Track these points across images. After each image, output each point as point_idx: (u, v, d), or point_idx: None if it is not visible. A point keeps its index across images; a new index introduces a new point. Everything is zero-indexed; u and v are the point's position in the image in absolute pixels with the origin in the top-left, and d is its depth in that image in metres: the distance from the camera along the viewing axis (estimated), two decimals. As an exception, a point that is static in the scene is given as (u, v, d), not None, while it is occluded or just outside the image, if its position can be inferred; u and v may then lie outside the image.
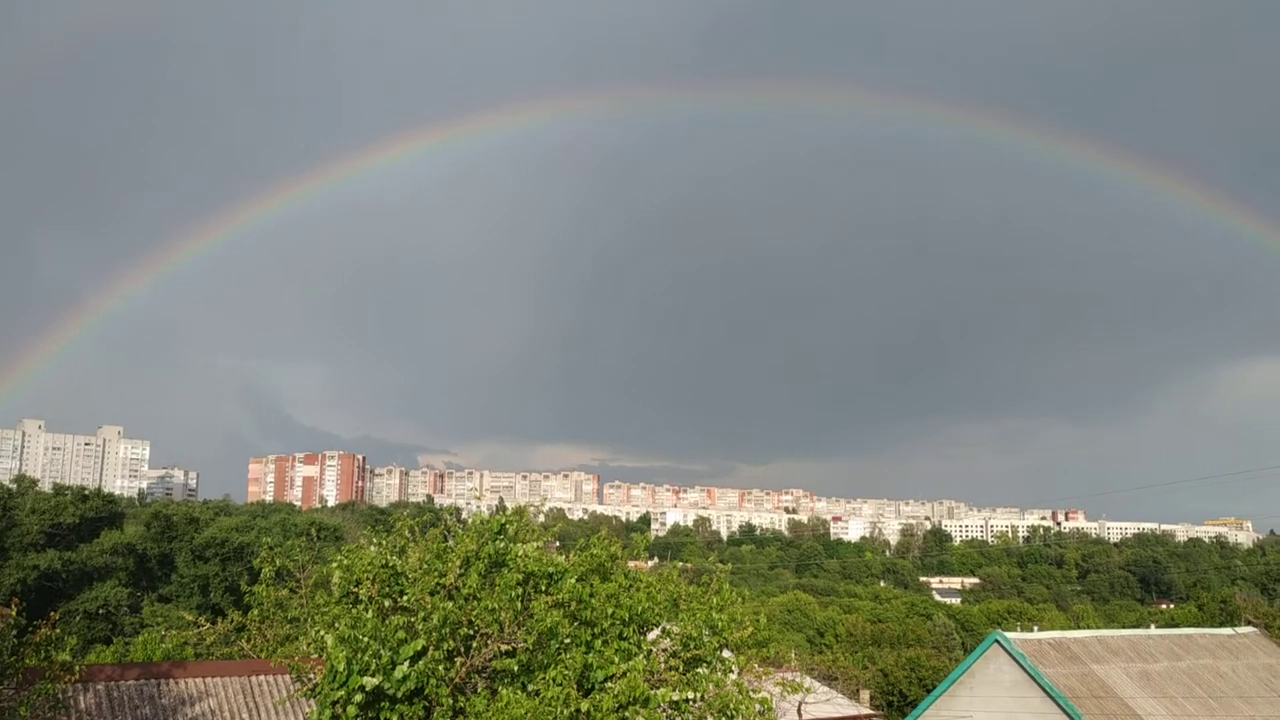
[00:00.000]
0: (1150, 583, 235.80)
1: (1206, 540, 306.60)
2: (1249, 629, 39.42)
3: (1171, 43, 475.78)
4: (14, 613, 12.43)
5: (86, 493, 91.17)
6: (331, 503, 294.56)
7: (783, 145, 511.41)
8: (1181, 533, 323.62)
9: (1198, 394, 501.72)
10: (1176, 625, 63.25)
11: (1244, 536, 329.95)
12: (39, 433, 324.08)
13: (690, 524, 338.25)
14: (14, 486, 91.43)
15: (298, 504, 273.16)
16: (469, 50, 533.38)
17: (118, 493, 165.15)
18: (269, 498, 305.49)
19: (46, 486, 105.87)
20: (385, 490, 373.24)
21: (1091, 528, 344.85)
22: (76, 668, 12.55)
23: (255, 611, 15.92)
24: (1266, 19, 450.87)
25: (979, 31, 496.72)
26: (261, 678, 15.98)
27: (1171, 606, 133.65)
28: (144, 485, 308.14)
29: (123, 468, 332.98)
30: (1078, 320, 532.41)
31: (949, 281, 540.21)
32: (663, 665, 14.37)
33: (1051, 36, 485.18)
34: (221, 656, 20.29)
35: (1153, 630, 38.95)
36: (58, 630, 12.47)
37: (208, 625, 16.73)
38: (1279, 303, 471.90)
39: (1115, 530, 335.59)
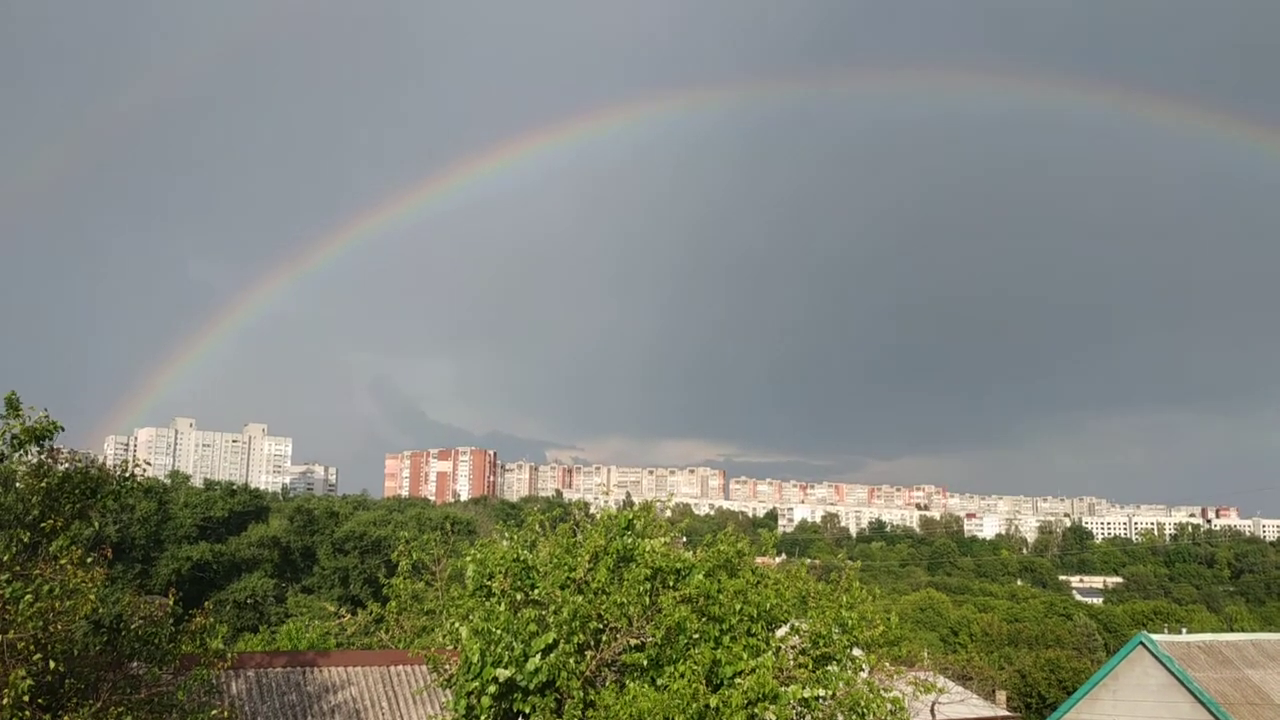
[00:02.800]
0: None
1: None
2: None
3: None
4: (172, 602, 13.13)
5: (234, 488, 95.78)
6: (464, 497, 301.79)
7: (904, 140, 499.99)
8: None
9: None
10: (1340, 629, 59.72)
11: None
12: (190, 430, 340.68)
13: (818, 520, 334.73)
14: (169, 482, 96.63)
15: (432, 498, 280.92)
16: (602, 46, 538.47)
17: (262, 488, 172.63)
18: (404, 492, 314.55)
19: (198, 482, 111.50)
20: (515, 485, 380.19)
21: (1245, 525, 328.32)
22: (229, 655, 13.18)
23: (393, 604, 16.48)
24: None
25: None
26: (400, 668, 16.50)
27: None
28: (287, 480, 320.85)
29: (267, 463, 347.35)
30: (1230, 309, 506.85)
31: (1090, 270, 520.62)
32: (792, 662, 14.29)
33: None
34: (362, 646, 21.05)
35: (1314, 634, 36.83)
36: (211, 619, 13.11)
37: (349, 616, 17.40)
38: None
39: (1271, 528, 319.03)
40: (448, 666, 14.39)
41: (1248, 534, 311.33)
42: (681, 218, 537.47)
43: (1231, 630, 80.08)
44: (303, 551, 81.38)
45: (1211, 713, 26.63)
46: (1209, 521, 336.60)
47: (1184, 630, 36.12)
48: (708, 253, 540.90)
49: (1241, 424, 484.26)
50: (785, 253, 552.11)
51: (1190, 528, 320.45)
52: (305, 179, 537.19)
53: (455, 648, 14.13)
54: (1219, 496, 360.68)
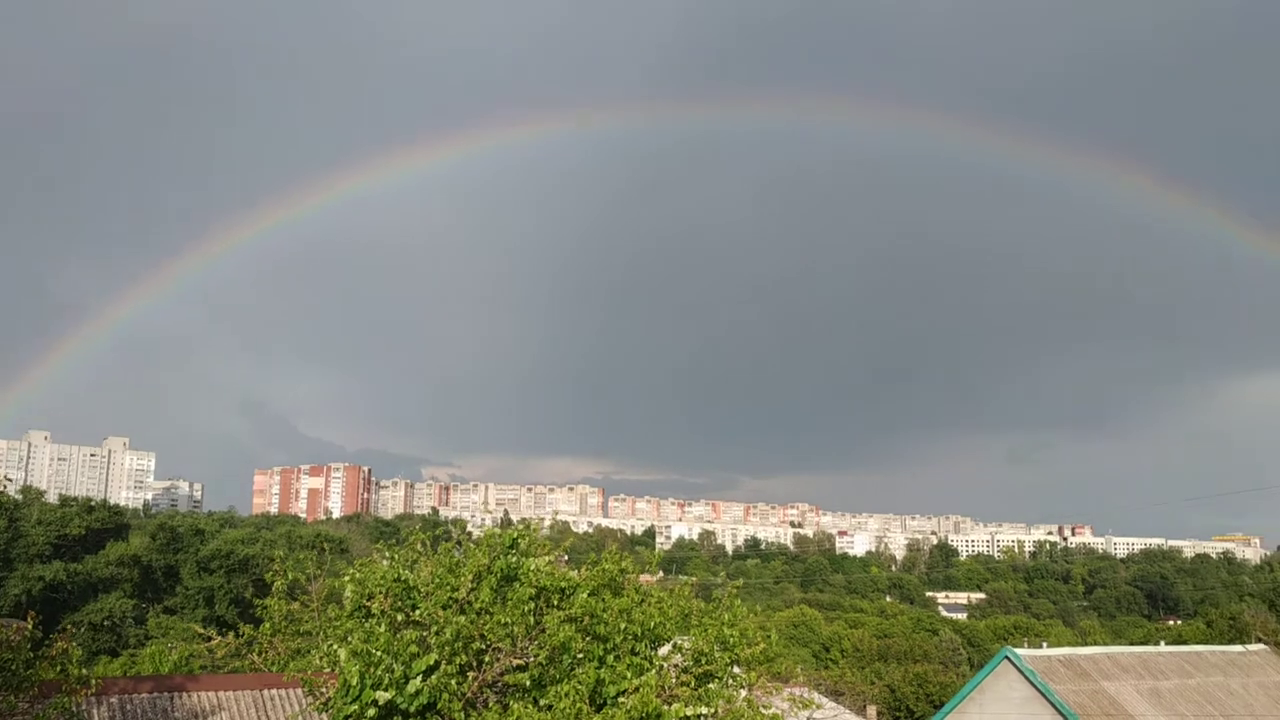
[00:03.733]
0: (1157, 599, 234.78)
1: (1214, 556, 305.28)
2: (1259, 646, 39.25)
3: (1182, 61, 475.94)
4: (31, 625, 12.48)
5: (92, 504, 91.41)
6: (336, 514, 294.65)
7: (794, 163, 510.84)
8: (1188, 548, 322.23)
9: (1203, 407, 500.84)
10: (1184, 642, 63.00)
11: (1251, 552, 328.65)
12: (45, 443, 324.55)
13: (695, 537, 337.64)
14: (20, 498, 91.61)
15: (303, 516, 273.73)
16: (484, 62, 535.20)
17: (123, 504, 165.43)
18: (274, 509, 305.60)
19: (52, 498, 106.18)
20: (390, 503, 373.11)
21: (1098, 543, 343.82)
22: (92, 681, 12.58)
23: (267, 624, 15.91)
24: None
25: (985, 47, 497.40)
26: (274, 691, 15.99)
27: (1179, 623, 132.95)
28: (149, 497, 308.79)
29: (128, 479, 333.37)
30: (1083, 334, 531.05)
31: (955, 296, 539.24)
32: (674, 681, 14.36)
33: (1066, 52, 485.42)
34: (232, 670, 20.26)
35: (1163, 647, 38.79)
36: (73, 643, 12.51)
37: (219, 638, 16.72)
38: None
39: (1122, 546, 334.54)
40: (324, 689, 14.01)
41: (1101, 551, 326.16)
42: (561, 236, 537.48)
43: (1085, 643, 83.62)
44: (165, 571, 78.19)
45: (1070, 723, 27.78)
46: (1065, 539, 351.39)
47: (1044, 644, 37.64)
48: (588, 271, 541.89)
49: (1096, 446, 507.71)
50: (659, 274, 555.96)
51: (1048, 545, 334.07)
52: (173, 190, 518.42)
53: (333, 670, 13.76)
54: (1075, 515, 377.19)
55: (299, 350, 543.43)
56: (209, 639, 19.59)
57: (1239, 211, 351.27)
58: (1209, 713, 31.21)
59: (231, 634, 19.58)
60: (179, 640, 41.48)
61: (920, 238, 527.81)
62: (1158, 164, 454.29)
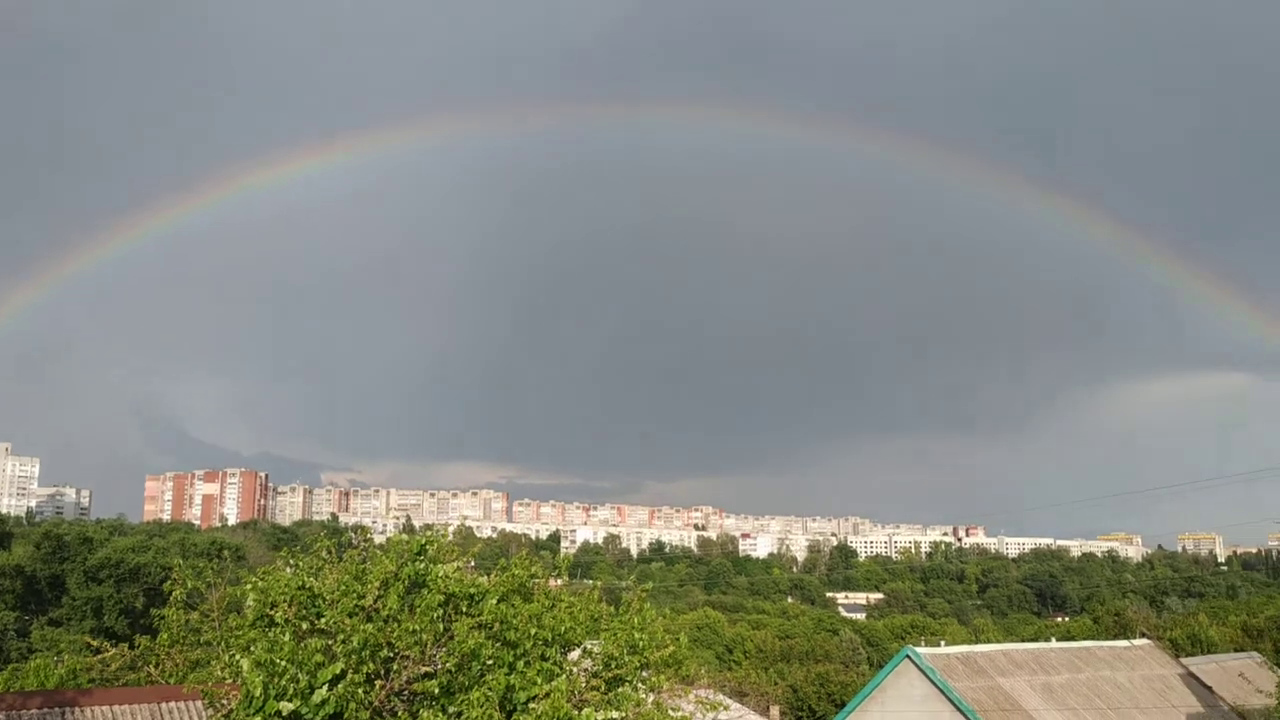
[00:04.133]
0: (1046, 596, 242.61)
1: (1099, 555, 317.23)
2: (1143, 641, 40.87)
3: (1078, 62, 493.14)
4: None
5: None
6: (232, 521, 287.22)
7: (690, 166, 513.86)
8: (1076, 548, 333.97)
9: (1090, 413, 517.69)
10: (1072, 638, 65.22)
11: (1134, 551, 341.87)
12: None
13: (600, 541, 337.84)
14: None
15: (197, 523, 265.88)
16: (385, 62, 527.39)
17: (5, 512, 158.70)
18: (166, 516, 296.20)
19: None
20: (288, 509, 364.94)
21: (991, 543, 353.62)
22: (-23, 697, 12.05)
23: (164, 635, 15.49)
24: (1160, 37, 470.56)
25: (866, 45, 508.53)
26: (172, 704, 15.52)
27: (1067, 620, 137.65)
28: (33, 504, 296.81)
29: (10, 485, 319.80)
30: (975, 339, 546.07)
31: (847, 302, 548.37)
32: (585, 685, 14.38)
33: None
34: (127, 683, 19.62)
35: (1054, 644, 40.13)
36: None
37: (113, 650, 16.23)
38: (1167, 326, 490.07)
39: (1014, 546, 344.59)
40: (226, 701, 13.66)
41: (993, 551, 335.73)
42: (463, 240, 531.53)
43: (979, 641, 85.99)
44: (50, 581, 75.03)
45: (968, 719, 28.56)
46: (960, 540, 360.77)
47: (942, 643, 38.55)
48: (490, 274, 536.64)
49: (987, 448, 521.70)
50: (560, 278, 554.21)
51: (944, 546, 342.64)
52: (59, 186, 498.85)
53: (234, 681, 13.44)
54: (969, 517, 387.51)
55: (191, 352, 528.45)
56: (99, 651, 18.97)
57: (1134, 226, 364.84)
58: (1097, 705, 32.40)
59: (124, 645, 19.00)
60: (64, 653, 39.94)
61: (817, 245, 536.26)
62: (1046, 171, 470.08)
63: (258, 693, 12.48)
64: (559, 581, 19.55)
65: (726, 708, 30.55)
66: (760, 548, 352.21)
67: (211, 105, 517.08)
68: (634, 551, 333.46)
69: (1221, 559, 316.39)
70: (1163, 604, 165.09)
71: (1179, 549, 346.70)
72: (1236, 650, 47.57)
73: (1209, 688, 36.64)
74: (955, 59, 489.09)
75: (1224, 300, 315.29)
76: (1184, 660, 40.02)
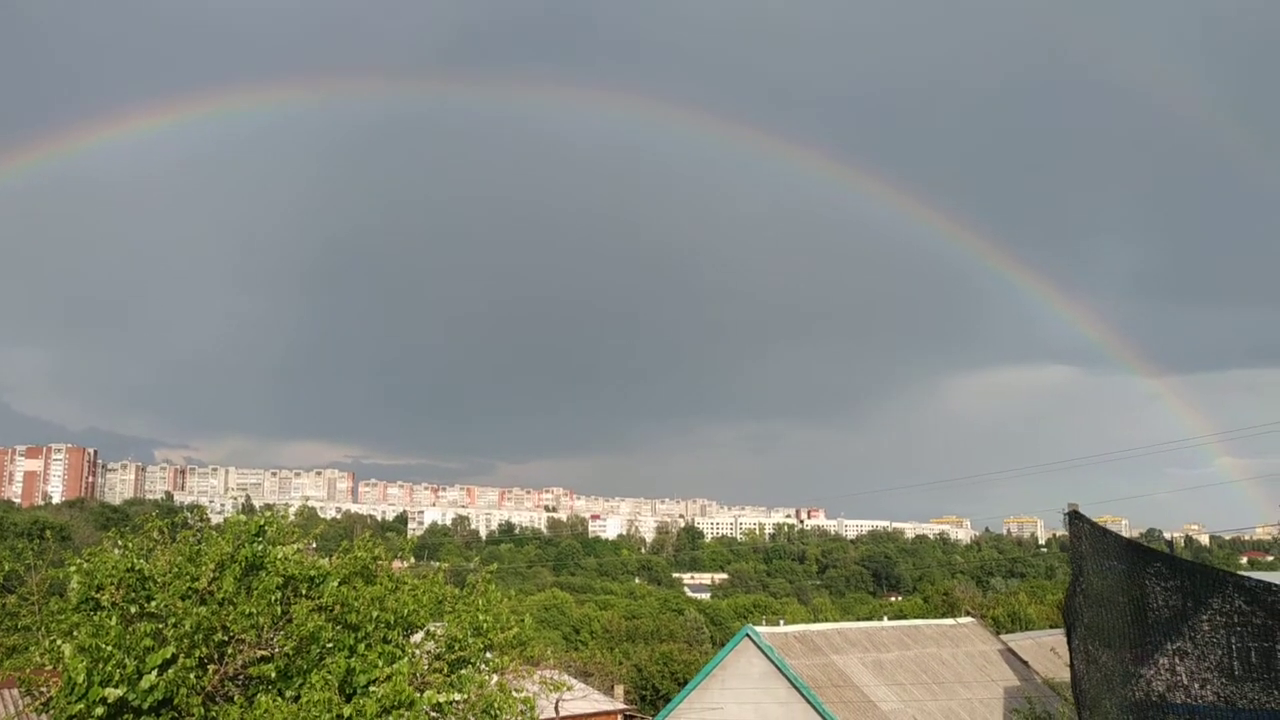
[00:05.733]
0: (882, 576, 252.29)
1: (931, 537, 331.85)
2: (968, 619, 43.07)
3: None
4: None
5: None
6: (57, 500, 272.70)
7: (523, 144, 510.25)
8: (910, 530, 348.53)
9: (926, 401, 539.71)
10: (905, 616, 68.21)
11: (963, 533, 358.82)
12: None
13: (449, 523, 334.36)
14: None
15: (17, 501, 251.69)
16: (210, 24, 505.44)
17: None
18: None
19: None
20: (119, 487, 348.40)
21: (831, 525, 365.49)
22: None
23: (-23, 621, 14.67)
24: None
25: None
26: (-15, 692, 14.72)
27: (900, 599, 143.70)
28: None
29: None
30: (817, 327, 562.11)
31: (690, 285, 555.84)
32: (427, 668, 14.33)
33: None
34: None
35: (886, 622, 41.92)
36: None
37: (-80, 636, 15.26)
38: (1001, 320, 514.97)
39: (852, 528, 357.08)
40: (45, 689, 13.07)
41: (833, 533, 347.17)
42: (307, 212, 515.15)
43: (818, 620, 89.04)
44: None
45: (803, 695, 29.59)
46: (801, 522, 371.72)
47: (781, 621, 39.80)
48: (334, 249, 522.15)
49: (827, 433, 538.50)
50: (392, 250, 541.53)
51: (786, 527, 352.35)
52: None
53: (55, 667, 12.87)
54: (809, 499, 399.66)
55: (11, 320, 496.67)
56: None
57: (970, 225, 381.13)
58: (924, 680, 34.03)
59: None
60: None
61: (652, 227, 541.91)
62: (888, 168, 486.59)
63: (80, 679, 12.01)
64: (404, 564, 19.37)
65: (570, 688, 30.89)
66: (610, 529, 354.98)
67: (39, 56, 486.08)
68: (483, 533, 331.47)
69: (1042, 541, 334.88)
70: (988, 584, 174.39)
71: (1005, 532, 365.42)
72: (1051, 627, 50.60)
73: (1025, 662, 38.93)
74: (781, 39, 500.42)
75: (1050, 297, 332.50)
76: (1004, 637, 42.39)
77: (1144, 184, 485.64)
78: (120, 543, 14.64)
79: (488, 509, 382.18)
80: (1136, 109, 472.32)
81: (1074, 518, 14.47)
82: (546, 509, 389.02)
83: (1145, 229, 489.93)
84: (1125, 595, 13.05)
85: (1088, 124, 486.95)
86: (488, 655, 15.34)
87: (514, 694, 14.87)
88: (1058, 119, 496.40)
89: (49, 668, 13.01)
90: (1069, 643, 15.40)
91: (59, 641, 12.86)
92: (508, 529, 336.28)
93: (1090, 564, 14.33)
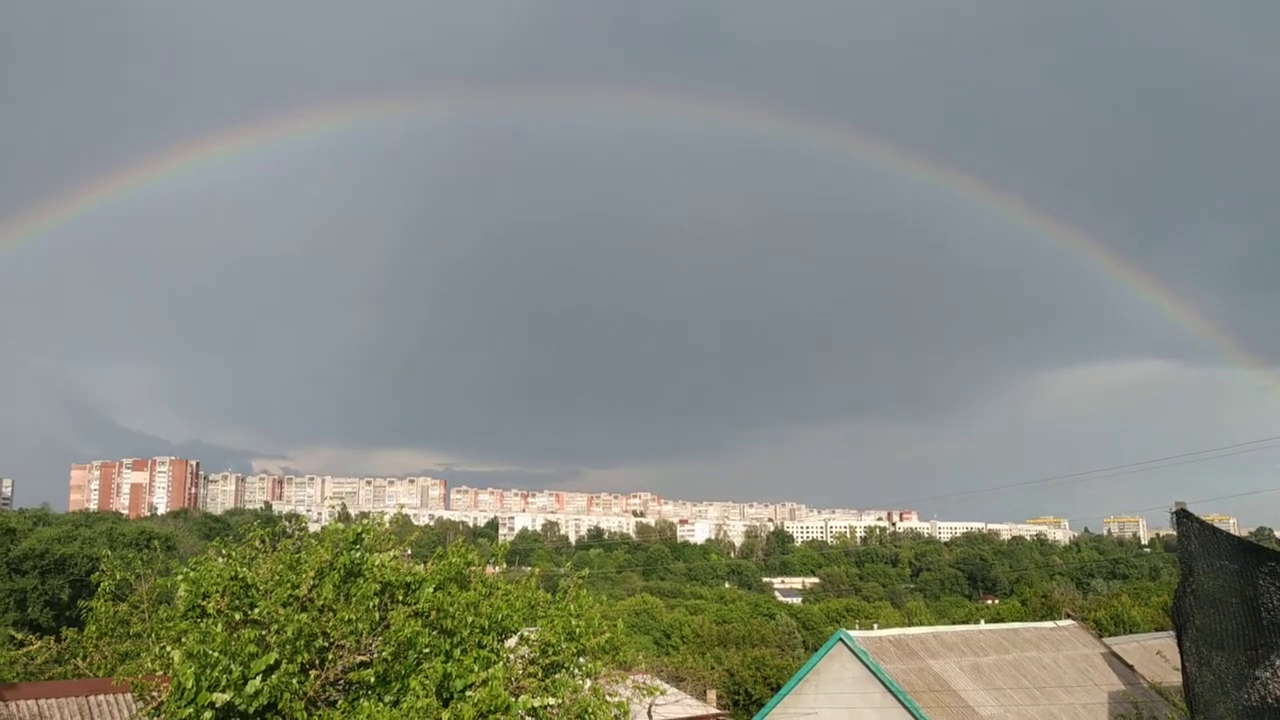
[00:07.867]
0: (977, 579, 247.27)
1: (1028, 538, 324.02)
2: (1068, 622, 41.91)
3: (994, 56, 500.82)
4: None
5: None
6: (162, 510, 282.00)
7: (622, 152, 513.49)
8: (1006, 531, 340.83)
9: (1020, 399, 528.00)
10: (1002, 620, 66.70)
11: (1061, 534, 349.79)
12: None
13: (538, 528, 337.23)
14: None
15: (125, 512, 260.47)
16: (311, 44, 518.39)
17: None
18: (93, 506, 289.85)
19: None
20: (220, 497, 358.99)
21: (924, 527, 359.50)
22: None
23: (92, 627, 15.22)
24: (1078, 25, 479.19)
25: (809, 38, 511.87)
26: (101, 697, 15.22)
27: (997, 602, 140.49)
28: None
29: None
30: (910, 326, 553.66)
31: (787, 288, 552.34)
32: (521, 672, 14.45)
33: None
34: (54, 676, 19.20)
35: (982, 625, 41.04)
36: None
37: (38, 643, 15.89)
38: (1094, 314, 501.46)
39: (945, 530, 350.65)
40: (156, 694, 13.49)
41: (926, 535, 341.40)
42: (394, 225, 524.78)
43: (912, 624, 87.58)
44: (-29, 573, 73.16)
45: (899, 700, 29.11)
46: (894, 525, 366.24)
47: (875, 625, 39.22)
48: (423, 260, 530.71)
49: (920, 434, 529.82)
50: (496, 265, 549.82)
51: (878, 530, 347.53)
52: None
53: (165, 673, 13.28)
54: (902, 501, 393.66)
55: (116, 338, 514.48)
56: (23, 644, 18.57)
57: (1063, 218, 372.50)
58: (1023, 685, 33.22)
59: (50, 639, 18.61)
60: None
61: (754, 232, 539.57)
62: (984, 167, 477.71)
63: (189, 684, 12.35)
64: (496, 569, 19.54)
65: (663, 692, 30.78)
66: (698, 533, 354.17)
67: (130, 87, 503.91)
68: (572, 538, 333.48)
69: (1145, 541, 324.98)
70: (1088, 585, 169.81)
71: (1105, 532, 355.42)
72: (1157, 630, 48.99)
73: (1130, 666, 37.74)
74: (874, 50, 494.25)
75: (1147, 291, 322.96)
76: (1107, 640, 41.14)
77: (1244, 167, 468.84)
78: (224, 552, 15.06)
79: (576, 514, 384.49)
80: (1234, 91, 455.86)
81: (1182, 516, 14.00)
82: (634, 514, 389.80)
83: (1247, 215, 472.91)
84: (1238, 595, 12.58)
85: (1182, 105, 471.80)
86: (581, 660, 15.40)
87: (607, 698, 14.90)
88: (1154, 103, 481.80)
89: (159, 673, 13.42)
90: (1180, 645, 14.88)
91: (168, 648, 13.27)
92: (596, 534, 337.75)
93: (1200, 564, 13.83)
